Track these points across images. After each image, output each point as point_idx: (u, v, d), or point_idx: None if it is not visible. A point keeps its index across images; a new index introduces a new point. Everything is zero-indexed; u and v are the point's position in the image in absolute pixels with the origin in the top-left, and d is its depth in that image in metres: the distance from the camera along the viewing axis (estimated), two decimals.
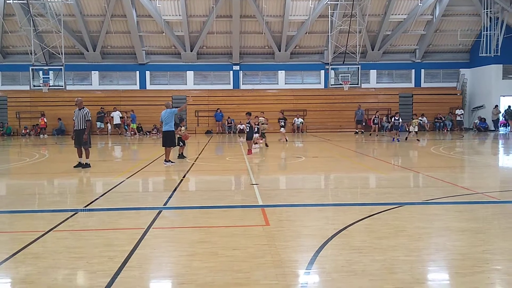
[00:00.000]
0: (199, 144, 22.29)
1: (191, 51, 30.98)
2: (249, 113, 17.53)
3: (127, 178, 11.55)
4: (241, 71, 32.07)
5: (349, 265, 5.01)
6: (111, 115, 30.14)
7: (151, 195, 10.02)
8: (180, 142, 15.74)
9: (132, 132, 29.74)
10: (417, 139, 22.72)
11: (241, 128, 29.31)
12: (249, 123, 16.83)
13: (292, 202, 8.60)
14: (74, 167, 13.39)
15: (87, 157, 13.58)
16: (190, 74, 32.02)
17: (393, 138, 22.64)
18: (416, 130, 23.11)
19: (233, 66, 31.90)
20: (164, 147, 14.28)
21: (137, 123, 30.30)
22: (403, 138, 23.10)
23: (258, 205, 8.16)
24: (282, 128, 22.93)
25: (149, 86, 31.95)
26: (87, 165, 13.46)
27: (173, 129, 14.35)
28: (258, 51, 32.02)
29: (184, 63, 31.69)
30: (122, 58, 31.73)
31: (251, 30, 30.56)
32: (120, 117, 30.12)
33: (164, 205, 8.33)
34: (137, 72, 31.81)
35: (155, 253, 5.55)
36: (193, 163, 14.55)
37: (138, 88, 31.87)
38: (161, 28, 29.78)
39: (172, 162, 14.04)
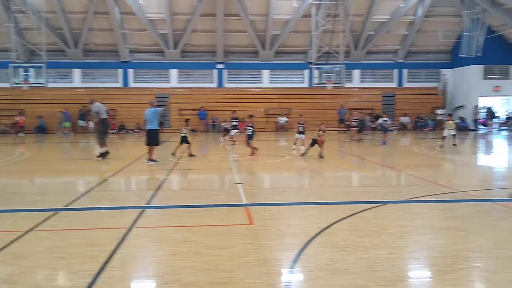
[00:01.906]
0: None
1: (175, 49, 30.81)
2: (250, 116, 16.87)
3: (110, 177, 11.44)
4: (225, 70, 32.01)
5: (333, 263, 5.04)
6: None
7: (134, 194, 9.94)
8: (184, 141, 15.66)
9: (66, 131, 28.70)
10: (454, 144, 18.47)
11: (226, 127, 29.22)
12: (252, 126, 16.11)
13: (276, 200, 8.61)
14: (97, 157, 15.04)
15: (103, 145, 15.14)
16: (174, 72, 31.84)
17: (383, 142, 20.50)
18: (454, 133, 18.52)
19: (217, 65, 31.82)
20: (147, 146, 14.16)
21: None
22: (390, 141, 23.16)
23: (242, 204, 8.15)
24: (234, 131, 20.15)
25: (132, 84, 31.68)
26: (104, 153, 14.98)
27: (157, 128, 14.21)
28: (243, 50, 31.99)
29: (167, 61, 31.50)
30: (104, 56, 31.38)
31: (236, 29, 30.50)
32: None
33: (147, 204, 8.27)
34: (120, 70, 31.52)
35: (137, 252, 5.51)
36: (177, 162, 14.47)
37: (121, 86, 31.58)
38: (144, 26, 29.53)
39: (155, 161, 13.93)
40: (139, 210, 7.63)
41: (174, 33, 30.21)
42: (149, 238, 6.14)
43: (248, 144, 16.10)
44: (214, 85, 32.09)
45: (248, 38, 31.01)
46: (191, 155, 15.60)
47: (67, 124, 28.99)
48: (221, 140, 20.77)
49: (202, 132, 30.53)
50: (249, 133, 16.01)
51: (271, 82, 32.40)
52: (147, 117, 14.04)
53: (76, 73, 31.36)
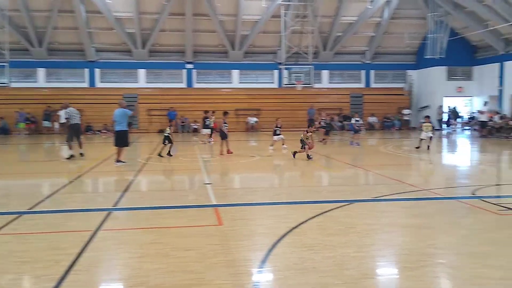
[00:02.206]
0: (151, 144, 21.90)
1: (143, 48, 30.38)
2: (226, 113, 17.20)
3: (75, 179, 11.20)
4: (194, 70, 31.79)
5: (301, 262, 5.07)
6: (58, 113, 28.96)
7: (100, 196, 9.75)
8: (166, 141, 15.46)
9: (24, 132, 27.84)
10: (428, 146, 17.47)
11: (195, 127, 29.08)
12: (225, 122, 16.53)
13: (245, 201, 8.60)
14: (67, 158, 14.85)
15: (79, 147, 15.53)
16: (141, 72, 31.39)
17: (352, 142, 19.95)
18: (431, 135, 17.62)
19: (186, 65, 31.57)
20: (116, 147, 13.89)
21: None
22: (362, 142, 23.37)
23: (211, 205, 8.11)
24: (206, 129, 20.44)
25: (99, 84, 31.05)
26: (73, 156, 14.94)
27: (126, 129, 13.95)
28: (212, 50, 31.83)
29: (135, 61, 31.01)
30: (70, 55, 30.64)
31: (205, 29, 30.33)
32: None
33: (114, 206, 8.12)
34: (86, 69, 30.86)
35: (104, 255, 5.40)
36: (146, 163, 14.28)
37: (88, 86, 30.92)
38: (111, 25, 29.02)
39: (123, 162, 13.70)
40: (105, 212, 7.49)
41: (142, 33, 29.80)
42: (116, 240, 6.03)
43: (224, 142, 16.24)
44: (183, 85, 31.82)
45: (217, 38, 30.90)
46: (159, 155, 15.40)
47: (21, 125, 28.12)
48: (211, 140, 20.36)
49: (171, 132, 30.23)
50: (224, 131, 16.24)
51: (240, 82, 32.37)
52: (116, 118, 13.76)
53: (41, 72, 30.52)
